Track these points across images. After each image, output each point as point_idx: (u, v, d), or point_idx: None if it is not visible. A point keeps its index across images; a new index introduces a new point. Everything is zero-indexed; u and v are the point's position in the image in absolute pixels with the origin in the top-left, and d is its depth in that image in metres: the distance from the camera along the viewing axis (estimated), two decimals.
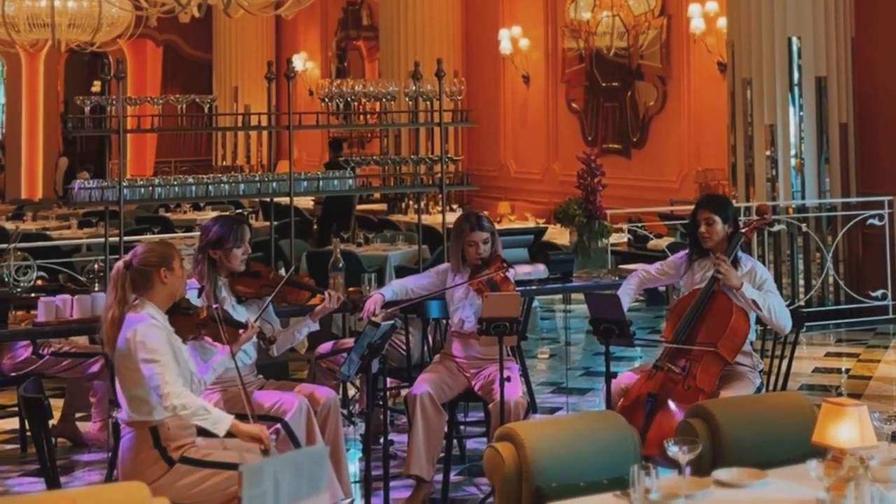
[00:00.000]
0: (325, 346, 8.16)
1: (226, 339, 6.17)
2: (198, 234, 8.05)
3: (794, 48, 12.68)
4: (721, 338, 6.69)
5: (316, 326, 7.23)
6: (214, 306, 6.32)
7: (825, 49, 12.77)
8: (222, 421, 5.72)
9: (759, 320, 6.97)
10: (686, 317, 6.80)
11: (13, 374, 8.07)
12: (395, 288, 7.47)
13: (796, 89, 12.70)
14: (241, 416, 6.05)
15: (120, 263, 5.94)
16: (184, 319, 6.07)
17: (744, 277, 6.83)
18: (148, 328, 5.73)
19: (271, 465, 3.22)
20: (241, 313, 6.78)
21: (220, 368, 6.30)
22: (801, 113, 12.73)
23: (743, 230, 7.05)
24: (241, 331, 6.38)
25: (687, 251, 7.27)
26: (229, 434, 5.74)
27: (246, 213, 17.61)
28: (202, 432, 6.08)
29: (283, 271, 7.61)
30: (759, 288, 6.83)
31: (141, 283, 5.86)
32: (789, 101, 12.70)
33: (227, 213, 11.19)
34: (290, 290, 7.22)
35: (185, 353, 5.94)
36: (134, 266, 5.88)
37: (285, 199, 8.90)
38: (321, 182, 8.93)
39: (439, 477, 7.20)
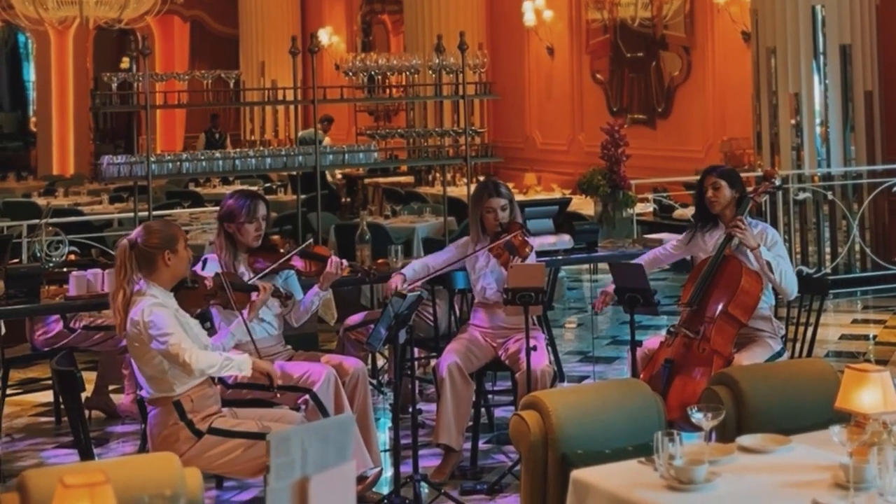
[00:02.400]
0: (355, 318, 8.21)
1: (235, 304, 6.23)
2: None
3: (819, 16, 12.65)
4: (732, 299, 6.74)
5: (327, 294, 7.24)
6: (220, 272, 6.36)
7: (849, 17, 12.73)
8: (245, 362, 5.90)
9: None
10: (699, 282, 6.86)
11: (46, 348, 8.17)
12: (416, 266, 7.47)
13: (821, 58, 12.67)
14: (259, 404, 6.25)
15: (125, 242, 5.91)
16: (189, 294, 6.09)
17: (756, 238, 6.88)
18: (153, 307, 5.74)
19: (299, 433, 3.27)
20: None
21: (240, 333, 6.36)
22: (826, 81, 12.70)
23: (751, 196, 7.09)
24: (253, 294, 6.42)
25: (691, 225, 7.35)
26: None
27: (274, 186, 17.69)
28: (243, 404, 6.18)
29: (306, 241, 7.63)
30: (770, 249, 6.87)
31: (144, 264, 5.85)
32: (814, 70, 12.67)
33: (244, 188, 11.25)
34: (305, 261, 7.22)
35: (194, 327, 5.97)
36: (138, 246, 5.86)
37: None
38: (346, 155, 8.99)
39: (468, 445, 7.28)
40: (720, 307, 6.75)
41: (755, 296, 6.79)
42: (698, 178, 7.29)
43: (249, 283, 6.53)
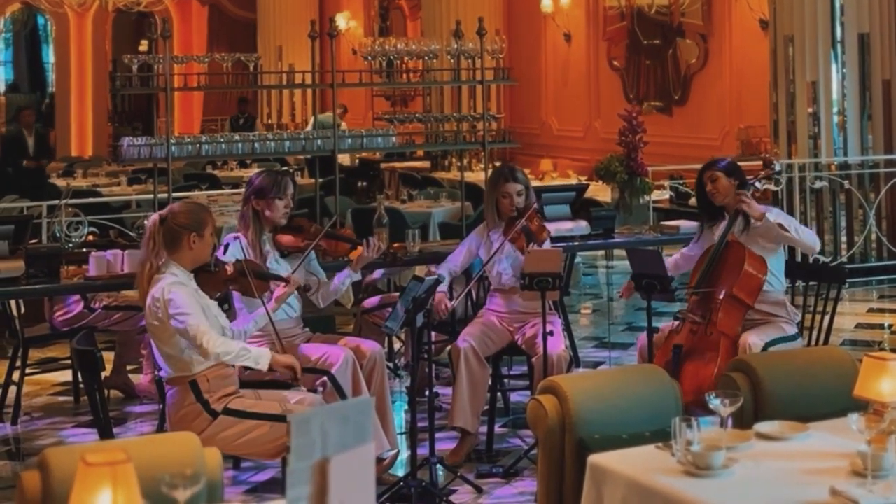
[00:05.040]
0: (372, 301, 8.26)
1: (256, 292, 6.26)
2: (242, 191, 8.15)
3: (837, 4, 12.63)
4: (737, 281, 6.78)
5: (357, 276, 7.28)
6: (241, 259, 6.41)
7: (868, 6, 12.71)
8: (263, 356, 5.92)
9: (787, 272, 7.08)
10: (704, 267, 6.93)
11: (65, 328, 8.22)
12: (443, 276, 7.52)
13: (839, 46, 12.66)
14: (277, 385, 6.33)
15: (156, 217, 6.00)
16: (209, 278, 6.13)
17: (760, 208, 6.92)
18: (172, 286, 5.80)
19: (319, 415, 3.29)
20: (284, 267, 6.88)
21: (262, 321, 6.39)
22: (844, 70, 12.69)
23: (751, 181, 7.12)
24: (280, 284, 6.47)
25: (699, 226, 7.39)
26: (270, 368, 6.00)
27: (291, 170, 17.71)
28: (261, 385, 6.20)
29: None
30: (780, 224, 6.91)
31: (169, 242, 5.91)
32: (832, 58, 12.66)
33: (271, 168, 11.28)
34: (331, 242, 7.29)
35: (213, 308, 6.02)
36: (168, 223, 5.93)
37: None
38: (365, 139, 9.00)
39: (484, 429, 7.32)
40: (725, 290, 6.79)
41: (759, 278, 6.83)
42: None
43: (272, 272, 6.56)
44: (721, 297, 6.78)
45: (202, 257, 6.04)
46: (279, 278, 6.50)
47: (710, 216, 7.23)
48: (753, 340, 6.62)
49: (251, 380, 6.40)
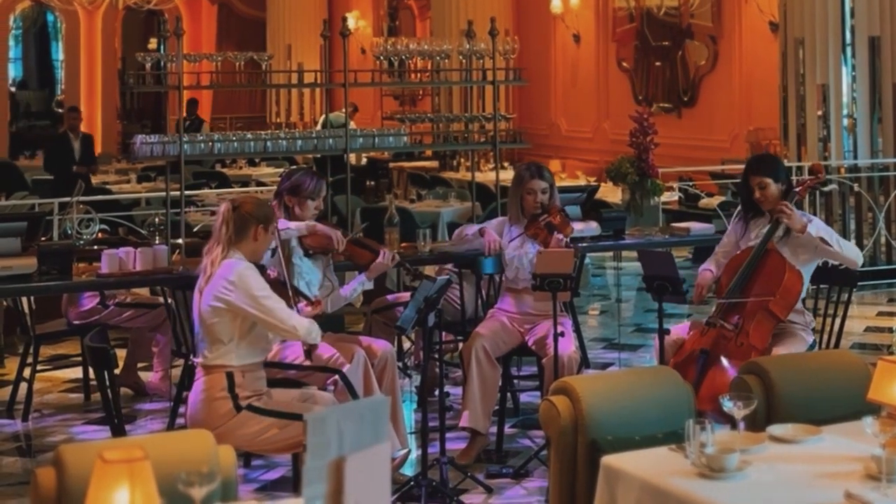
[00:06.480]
0: (381, 301, 8.27)
1: (293, 303, 6.29)
2: (252, 189, 8.15)
3: (847, 7, 12.61)
4: (774, 295, 6.72)
5: (370, 284, 7.31)
6: (275, 273, 6.45)
7: (878, 8, 12.69)
8: (316, 331, 6.05)
9: (812, 278, 7.03)
10: (739, 274, 6.80)
11: (77, 322, 8.24)
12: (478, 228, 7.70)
13: (849, 49, 12.64)
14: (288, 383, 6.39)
15: (228, 203, 6.06)
16: None
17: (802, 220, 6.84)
18: (248, 269, 5.87)
19: (335, 414, 3.29)
20: (307, 266, 6.90)
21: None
22: (854, 73, 12.67)
23: (797, 189, 7.06)
24: (304, 303, 6.48)
25: (738, 212, 7.27)
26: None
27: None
28: (273, 383, 6.21)
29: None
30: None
31: (238, 230, 5.96)
32: (842, 61, 12.64)
33: (308, 167, 11.28)
34: (356, 250, 7.30)
35: None
36: (239, 210, 5.99)
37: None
38: (376, 139, 9.01)
39: (494, 429, 7.32)
40: (762, 304, 6.69)
41: (796, 293, 6.72)
42: (724, 166, 7.28)
43: (303, 292, 6.59)
44: (757, 308, 6.69)
45: (259, 254, 6.11)
46: (309, 300, 6.51)
47: (751, 210, 7.10)
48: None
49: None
